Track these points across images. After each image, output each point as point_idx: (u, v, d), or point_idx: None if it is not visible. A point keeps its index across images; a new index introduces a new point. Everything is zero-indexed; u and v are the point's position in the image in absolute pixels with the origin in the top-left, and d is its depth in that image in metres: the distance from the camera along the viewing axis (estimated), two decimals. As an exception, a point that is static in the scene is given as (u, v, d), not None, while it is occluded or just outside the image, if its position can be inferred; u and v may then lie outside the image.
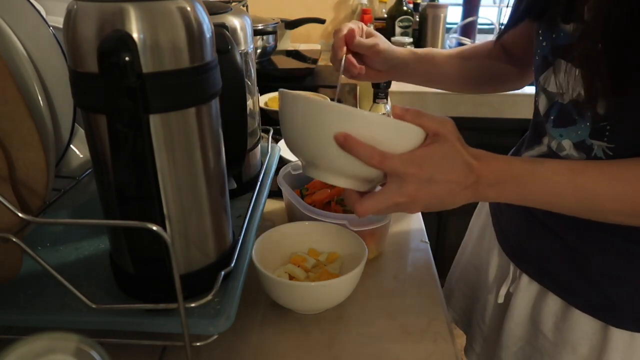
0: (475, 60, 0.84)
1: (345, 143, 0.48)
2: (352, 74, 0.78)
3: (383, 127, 0.50)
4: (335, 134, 0.48)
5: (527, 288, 0.70)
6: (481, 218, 0.88)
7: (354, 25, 0.77)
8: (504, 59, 0.81)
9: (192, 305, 0.49)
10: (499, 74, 0.84)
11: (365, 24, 2.09)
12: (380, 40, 0.78)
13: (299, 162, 0.67)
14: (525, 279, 0.71)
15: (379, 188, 0.54)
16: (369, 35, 0.79)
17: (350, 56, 0.76)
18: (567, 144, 0.61)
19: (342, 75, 0.76)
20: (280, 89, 0.54)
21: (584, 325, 0.64)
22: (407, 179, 0.49)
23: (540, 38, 0.63)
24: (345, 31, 0.75)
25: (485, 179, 0.51)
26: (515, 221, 0.72)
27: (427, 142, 0.50)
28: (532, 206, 0.55)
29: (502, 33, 0.74)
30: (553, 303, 0.67)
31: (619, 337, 0.61)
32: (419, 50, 0.83)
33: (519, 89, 0.87)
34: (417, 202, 0.50)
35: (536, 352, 0.70)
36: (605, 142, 0.56)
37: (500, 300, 0.75)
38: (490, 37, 2.02)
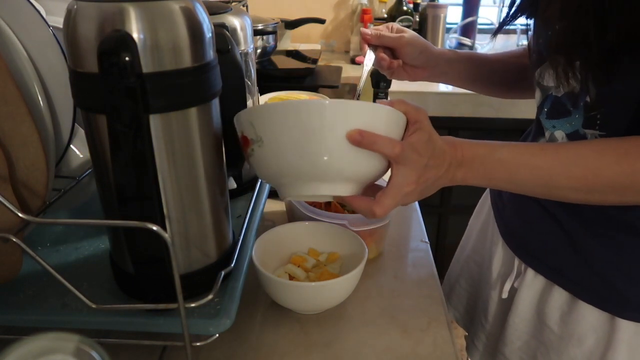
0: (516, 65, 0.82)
1: (363, 139, 0.47)
2: (382, 67, 0.78)
3: (386, 115, 0.50)
4: (348, 132, 0.47)
5: (532, 282, 0.71)
6: (482, 214, 0.88)
7: (382, 27, 0.79)
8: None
9: (192, 305, 0.49)
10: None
11: (365, 24, 2.08)
12: (408, 33, 0.78)
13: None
14: (530, 273, 0.71)
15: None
16: (398, 32, 0.79)
17: (380, 51, 0.77)
18: (559, 134, 0.63)
19: (367, 78, 0.76)
20: (261, 105, 0.50)
21: (590, 317, 0.64)
22: (411, 166, 0.50)
23: (536, 35, 0.64)
24: (369, 31, 0.77)
25: (455, 161, 0.53)
26: (519, 214, 0.73)
27: (411, 130, 0.52)
28: (495, 187, 0.58)
29: (497, 31, 0.75)
30: (559, 296, 0.67)
31: (626, 328, 0.62)
32: (462, 52, 0.82)
33: None
34: (417, 189, 0.52)
35: (541, 345, 0.70)
36: (597, 131, 0.58)
37: (505, 295, 0.75)
38: (489, 37, 2.03)
